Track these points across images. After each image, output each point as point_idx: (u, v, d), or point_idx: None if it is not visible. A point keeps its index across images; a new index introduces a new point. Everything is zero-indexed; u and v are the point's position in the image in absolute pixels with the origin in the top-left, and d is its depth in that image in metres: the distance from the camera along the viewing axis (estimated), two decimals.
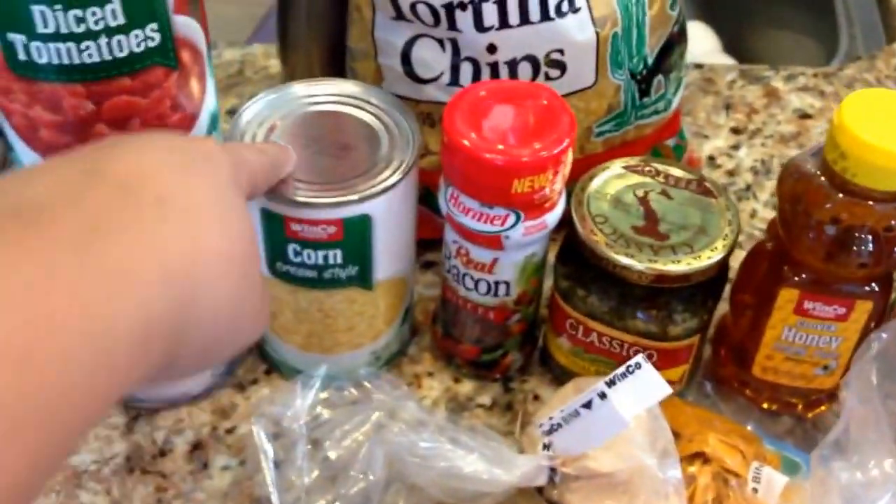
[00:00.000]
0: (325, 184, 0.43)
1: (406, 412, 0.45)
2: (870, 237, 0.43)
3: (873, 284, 0.46)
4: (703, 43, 1.04)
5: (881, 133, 0.41)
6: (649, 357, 0.48)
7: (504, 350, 0.51)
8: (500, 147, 0.42)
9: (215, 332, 0.31)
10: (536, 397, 0.52)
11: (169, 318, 0.28)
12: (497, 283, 0.48)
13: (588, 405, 0.41)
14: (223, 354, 0.34)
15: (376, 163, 0.44)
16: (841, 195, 0.43)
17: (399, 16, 0.50)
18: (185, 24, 0.37)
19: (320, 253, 0.44)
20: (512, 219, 0.44)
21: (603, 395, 0.40)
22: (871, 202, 0.43)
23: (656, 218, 0.47)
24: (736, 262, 0.50)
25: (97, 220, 0.27)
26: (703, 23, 1.06)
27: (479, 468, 0.43)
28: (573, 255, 0.48)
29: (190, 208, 0.30)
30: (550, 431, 0.42)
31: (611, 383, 0.41)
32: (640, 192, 0.48)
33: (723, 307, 0.51)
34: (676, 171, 0.49)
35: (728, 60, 1.01)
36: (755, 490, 0.44)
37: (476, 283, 0.48)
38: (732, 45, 1.04)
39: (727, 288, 0.50)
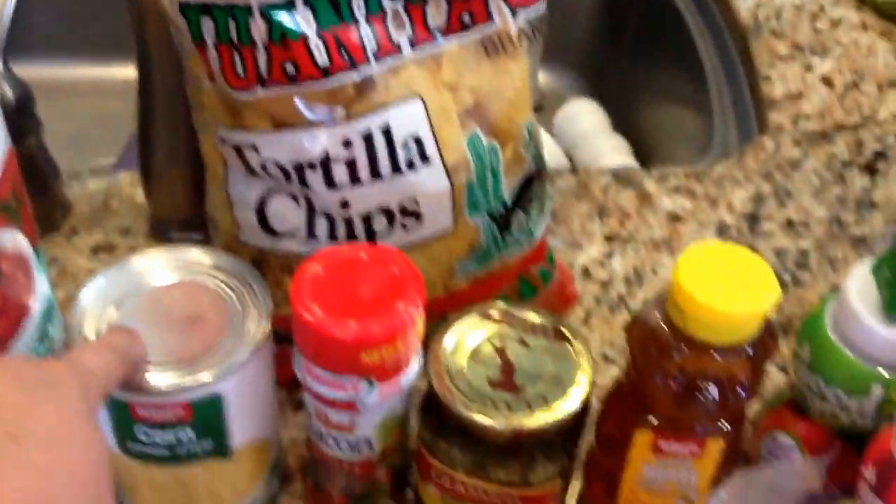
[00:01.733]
0: (174, 363, 0.43)
1: None
2: (714, 386, 0.44)
3: (725, 424, 0.47)
4: (592, 118, 1.06)
5: (716, 291, 0.42)
6: (514, 502, 0.49)
7: (371, 499, 0.51)
8: (347, 321, 0.42)
9: None
10: None
11: None
12: (359, 441, 0.48)
13: None
14: None
15: (227, 336, 0.44)
16: (685, 348, 0.44)
17: (251, 172, 0.50)
18: (3, 238, 0.37)
19: (171, 433, 0.43)
20: (365, 386, 0.44)
21: None
22: (713, 354, 0.44)
23: (512, 370, 0.47)
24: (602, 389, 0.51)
25: None
26: (592, 99, 1.09)
27: None
28: (434, 407, 0.48)
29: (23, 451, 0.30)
30: None
31: None
32: (497, 343, 0.49)
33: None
34: (533, 318, 0.50)
35: (615, 138, 1.03)
36: None
37: (338, 442, 0.48)
38: (620, 121, 1.06)
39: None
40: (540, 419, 0.45)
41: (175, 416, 0.43)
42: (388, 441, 0.48)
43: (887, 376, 0.46)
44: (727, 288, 0.43)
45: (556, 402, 0.46)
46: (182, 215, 0.62)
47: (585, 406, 0.48)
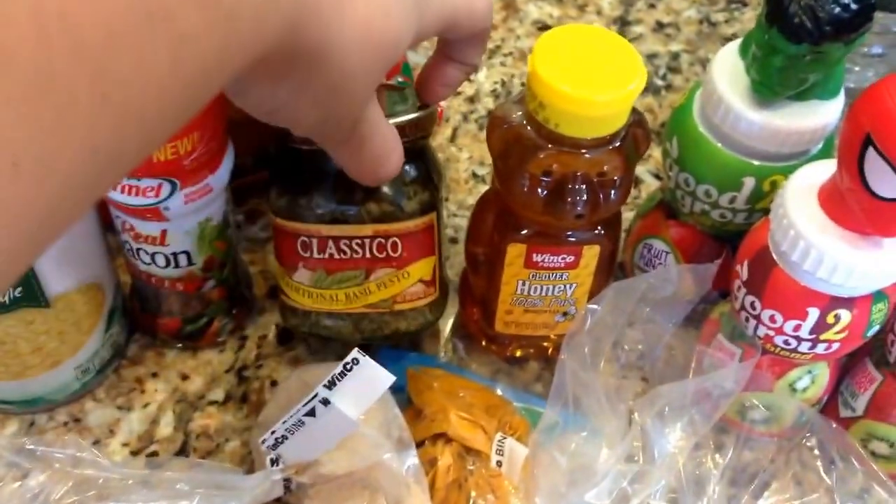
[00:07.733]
0: None
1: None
2: (583, 186, 0.41)
3: (599, 229, 0.44)
4: None
5: (576, 78, 0.38)
6: (394, 248, 0.43)
7: (207, 318, 0.48)
8: None
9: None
10: (274, 383, 0.48)
11: None
12: (175, 255, 0.44)
13: (312, 413, 0.37)
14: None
15: None
16: (549, 145, 0.40)
17: None
18: None
19: None
20: (167, 188, 0.40)
21: (326, 402, 0.37)
22: (579, 150, 0.40)
23: None
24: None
25: None
26: None
27: None
28: (281, 169, 0.43)
29: None
30: (276, 445, 0.39)
31: (331, 385, 0.37)
32: None
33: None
34: None
35: None
36: (499, 463, 0.42)
37: (152, 256, 0.44)
38: None
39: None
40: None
41: None
42: (210, 252, 0.44)
43: (758, 165, 0.44)
44: (589, 74, 0.38)
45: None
46: None
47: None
